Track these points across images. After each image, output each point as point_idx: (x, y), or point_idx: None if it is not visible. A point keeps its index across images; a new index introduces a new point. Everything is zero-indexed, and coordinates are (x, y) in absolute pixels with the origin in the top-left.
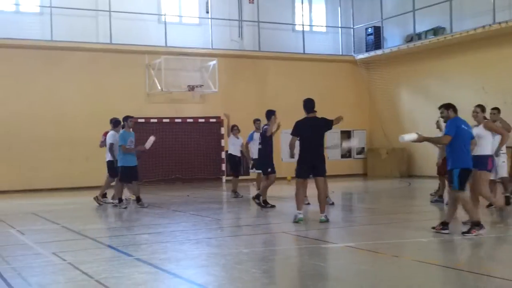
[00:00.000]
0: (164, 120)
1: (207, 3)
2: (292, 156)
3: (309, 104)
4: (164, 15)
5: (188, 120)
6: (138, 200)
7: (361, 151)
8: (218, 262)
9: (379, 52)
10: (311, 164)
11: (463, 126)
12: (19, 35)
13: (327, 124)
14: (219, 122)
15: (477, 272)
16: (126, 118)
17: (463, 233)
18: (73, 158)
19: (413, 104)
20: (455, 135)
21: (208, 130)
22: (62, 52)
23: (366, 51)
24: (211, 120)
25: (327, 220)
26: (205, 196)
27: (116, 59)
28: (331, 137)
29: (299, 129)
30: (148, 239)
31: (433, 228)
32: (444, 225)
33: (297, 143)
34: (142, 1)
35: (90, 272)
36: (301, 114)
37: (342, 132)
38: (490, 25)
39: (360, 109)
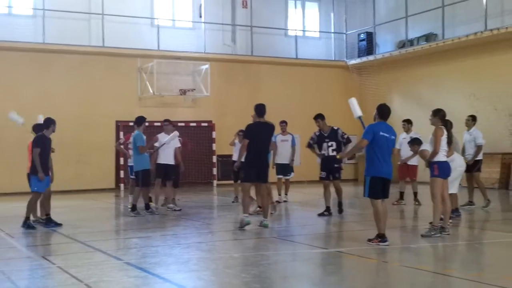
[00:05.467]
0: (156, 124)
1: (200, 7)
2: (238, 165)
3: (260, 109)
4: (157, 18)
5: (180, 124)
6: (147, 207)
7: (352, 156)
8: (208, 266)
9: (371, 57)
10: (258, 170)
11: (382, 133)
12: (11, 38)
13: (273, 130)
14: (211, 126)
15: (466, 278)
16: (144, 119)
17: (368, 240)
18: (64, 161)
19: (405, 110)
20: (371, 141)
21: (200, 134)
22: (55, 55)
23: (359, 56)
24: (203, 124)
25: (267, 226)
26: (196, 200)
27: (108, 62)
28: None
29: (251, 133)
30: (138, 243)
31: (369, 240)
32: (381, 237)
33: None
34: (135, 4)
35: (80, 276)
36: (293, 118)
37: None
38: (482, 32)
39: (352, 115)
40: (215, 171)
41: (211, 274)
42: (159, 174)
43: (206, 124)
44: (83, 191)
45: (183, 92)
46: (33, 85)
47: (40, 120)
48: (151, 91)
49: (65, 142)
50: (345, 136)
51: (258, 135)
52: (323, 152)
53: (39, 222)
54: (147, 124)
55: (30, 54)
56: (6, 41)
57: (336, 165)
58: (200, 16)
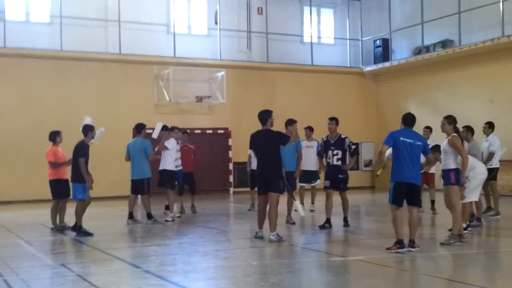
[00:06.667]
0: None
1: (216, 14)
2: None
3: (261, 116)
4: (173, 25)
5: (196, 131)
6: (130, 216)
7: (369, 163)
8: (226, 274)
9: (387, 64)
10: (263, 179)
11: (402, 138)
12: (29, 45)
13: (281, 139)
14: (227, 133)
15: (486, 286)
16: (143, 126)
17: (387, 248)
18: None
19: (421, 117)
20: (393, 147)
21: (216, 141)
22: (72, 62)
23: (374, 63)
24: (219, 131)
25: (277, 240)
26: (213, 208)
27: (125, 69)
28: None
29: (251, 142)
30: (156, 251)
31: (388, 249)
32: (399, 243)
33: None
34: (151, 11)
35: (99, 284)
36: (309, 125)
37: None
38: (498, 38)
39: (368, 121)
40: (231, 178)
41: (230, 282)
42: (161, 182)
43: (222, 131)
44: (99, 198)
45: (199, 99)
46: (50, 92)
47: (87, 121)
48: (167, 98)
49: None
50: (353, 147)
51: (258, 144)
52: (328, 160)
53: (58, 229)
54: (150, 131)
55: (47, 61)
56: (24, 48)
57: (340, 176)
58: (216, 23)
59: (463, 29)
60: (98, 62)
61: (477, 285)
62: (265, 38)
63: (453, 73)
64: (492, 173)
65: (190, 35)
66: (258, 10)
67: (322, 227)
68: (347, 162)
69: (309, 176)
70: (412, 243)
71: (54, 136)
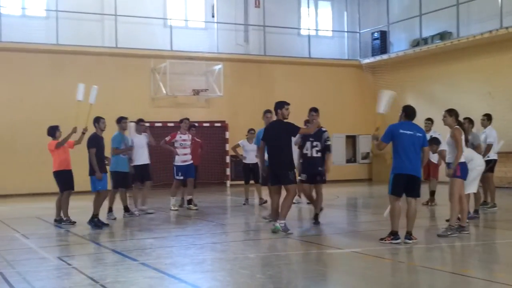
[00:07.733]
0: (169, 124)
1: (212, 7)
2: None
3: (274, 107)
4: (170, 19)
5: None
6: (126, 209)
7: (366, 156)
8: (223, 267)
9: (385, 56)
10: (273, 171)
11: (402, 130)
12: (25, 39)
13: (291, 130)
14: (224, 126)
15: (484, 278)
16: (121, 119)
17: (380, 239)
18: (78, 162)
19: (419, 109)
20: (392, 140)
21: (213, 135)
22: (68, 56)
23: (372, 55)
24: (216, 124)
25: (283, 230)
26: (210, 201)
27: (121, 63)
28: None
29: (264, 134)
30: (152, 244)
31: (382, 239)
32: (393, 234)
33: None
34: (148, 5)
35: (96, 277)
36: (306, 118)
37: (347, 137)
38: (497, 29)
39: (366, 114)
40: (228, 171)
41: (227, 275)
42: (136, 176)
43: (219, 124)
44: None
45: (196, 92)
46: (47, 86)
47: (81, 88)
48: (164, 91)
49: None
50: (328, 143)
51: (270, 135)
52: (305, 152)
53: (62, 221)
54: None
55: (44, 55)
56: (20, 42)
57: (320, 168)
58: (213, 16)
59: (461, 21)
60: (95, 56)
61: (474, 276)
62: (263, 31)
63: (451, 65)
64: (489, 165)
65: (187, 28)
66: (255, 3)
67: (316, 223)
68: (326, 156)
69: None
70: (409, 235)
71: (54, 131)
